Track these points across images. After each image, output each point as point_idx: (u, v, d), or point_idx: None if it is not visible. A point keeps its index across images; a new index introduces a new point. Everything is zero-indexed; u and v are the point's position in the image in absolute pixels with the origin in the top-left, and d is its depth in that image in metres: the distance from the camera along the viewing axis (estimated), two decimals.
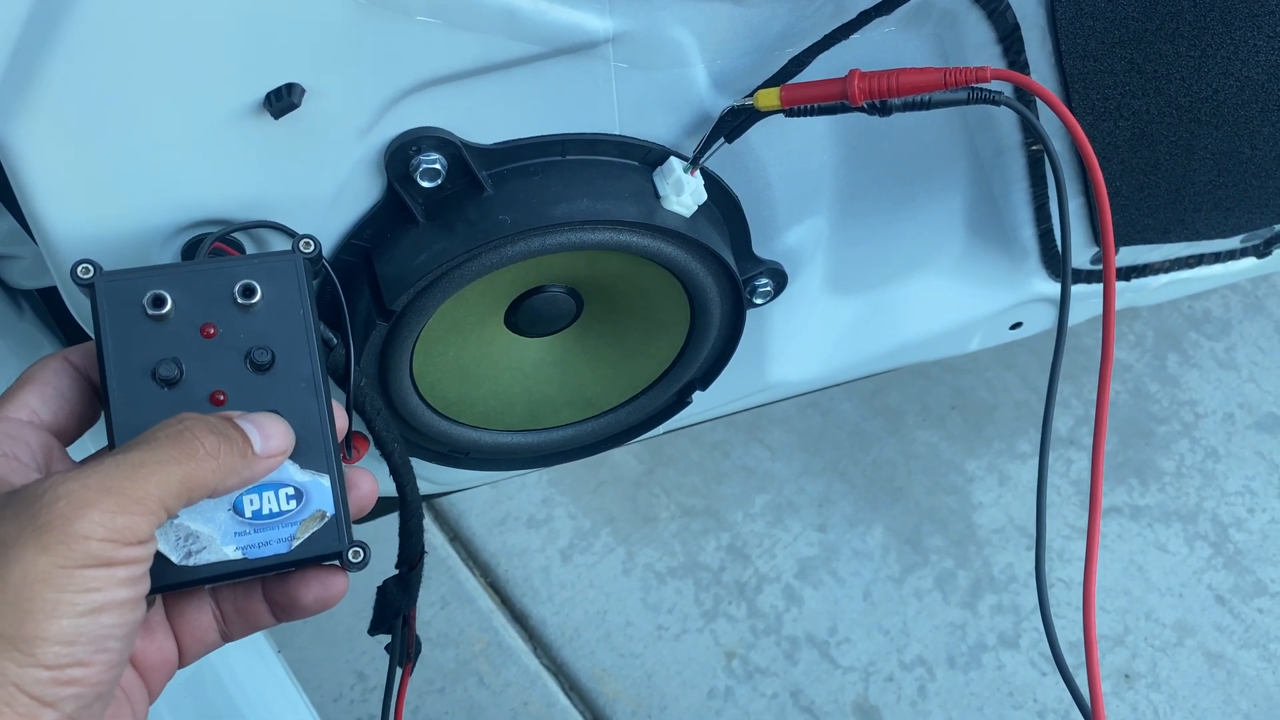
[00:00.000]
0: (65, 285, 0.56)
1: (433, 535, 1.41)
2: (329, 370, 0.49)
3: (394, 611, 0.60)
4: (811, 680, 1.31)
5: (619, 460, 1.47)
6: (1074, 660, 1.33)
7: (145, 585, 0.39)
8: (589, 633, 1.35)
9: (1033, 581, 1.37)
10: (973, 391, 1.54)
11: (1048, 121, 0.69)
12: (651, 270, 0.62)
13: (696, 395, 0.74)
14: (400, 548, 0.58)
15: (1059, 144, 0.71)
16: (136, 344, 0.45)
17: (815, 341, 0.80)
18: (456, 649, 1.33)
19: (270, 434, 0.43)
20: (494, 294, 0.62)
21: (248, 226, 0.53)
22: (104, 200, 0.50)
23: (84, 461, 0.44)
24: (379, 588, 0.60)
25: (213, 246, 0.51)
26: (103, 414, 0.45)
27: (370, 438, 0.54)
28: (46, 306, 0.76)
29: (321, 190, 0.55)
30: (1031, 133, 0.69)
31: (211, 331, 0.45)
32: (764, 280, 0.70)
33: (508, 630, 1.35)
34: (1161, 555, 1.41)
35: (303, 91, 0.49)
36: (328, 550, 0.45)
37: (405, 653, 0.62)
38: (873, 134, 0.67)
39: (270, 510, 0.44)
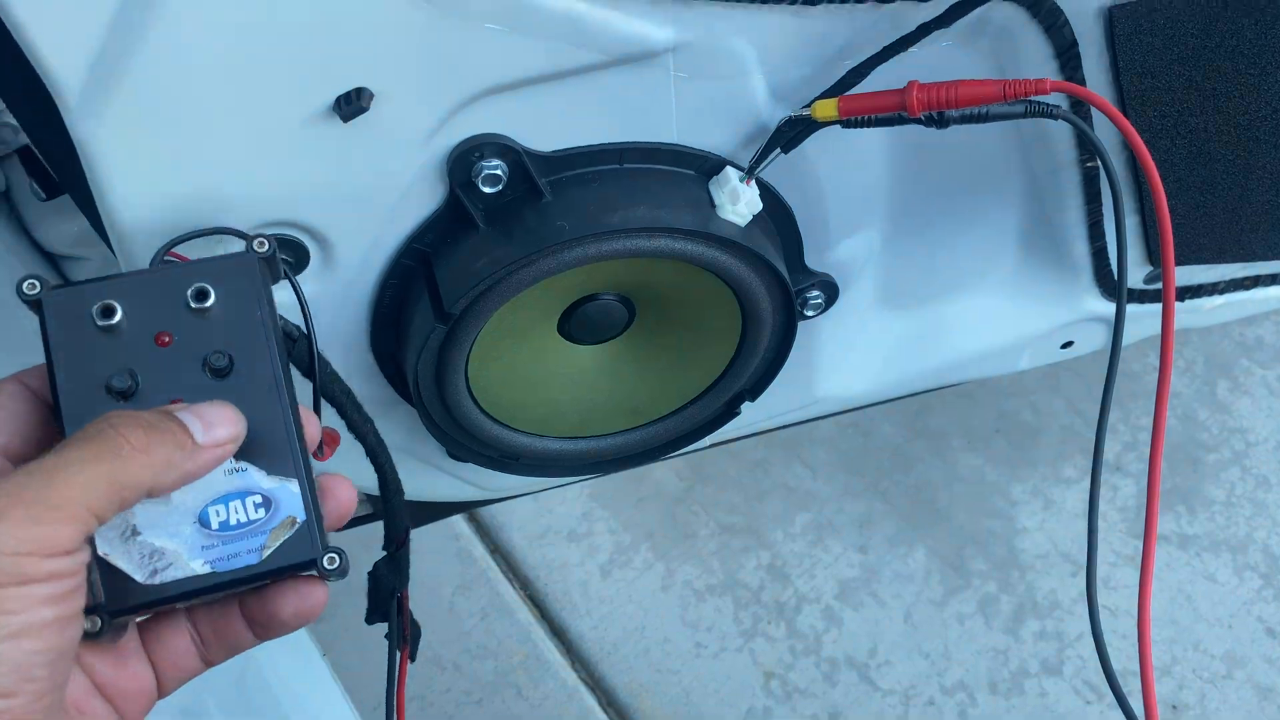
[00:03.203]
0: None
1: (474, 547, 1.42)
2: (296, 363, 0.48)
3: (388, 592, 0.59)
4: (851, 702, 1.30)
5: (660, 476, 1.47)
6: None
7: (76, 603, 0.36)
8: (627, 648, 1.35)
9: (1077, 608, 1.36)
10: (1017, 415, 1.53)
11: (1104, 137, 0.69)
12: (705, 279, 0.63)
13: (745, 407, 0.74)
14: (385, 527, 0.57)
15: (1115, 161, 0.71)
16: (88, 357, 0.43)
17: (865, 356, 0.80)
18: (495, 661, 1.34)
19: (213, 421, 0.41)
20: (549, 300, 0.63)
21: (203, 234, 0.50)
22: (176, 199, 0.52)
23: None
24: (369, 572, 0.59)
25: (166, 255, 0.48)
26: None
27: (344, 423, 0.53)
28: None
29: (387, 194, 0.56)
30: (1088, 147, 0.69)
31: (166, 339, 0.44)
32: (815, 292, 0.70)
33: (546, 644, 1.35)
34: (1210, 585, 1.38)
35: (372, 96, 0.50)
36: (301, 558, 0.43)
37: (403, 636, 0.61)
38: (927, 148, 0.67)
39: (238, 520, 0.42)
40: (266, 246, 0.46)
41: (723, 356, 0.68)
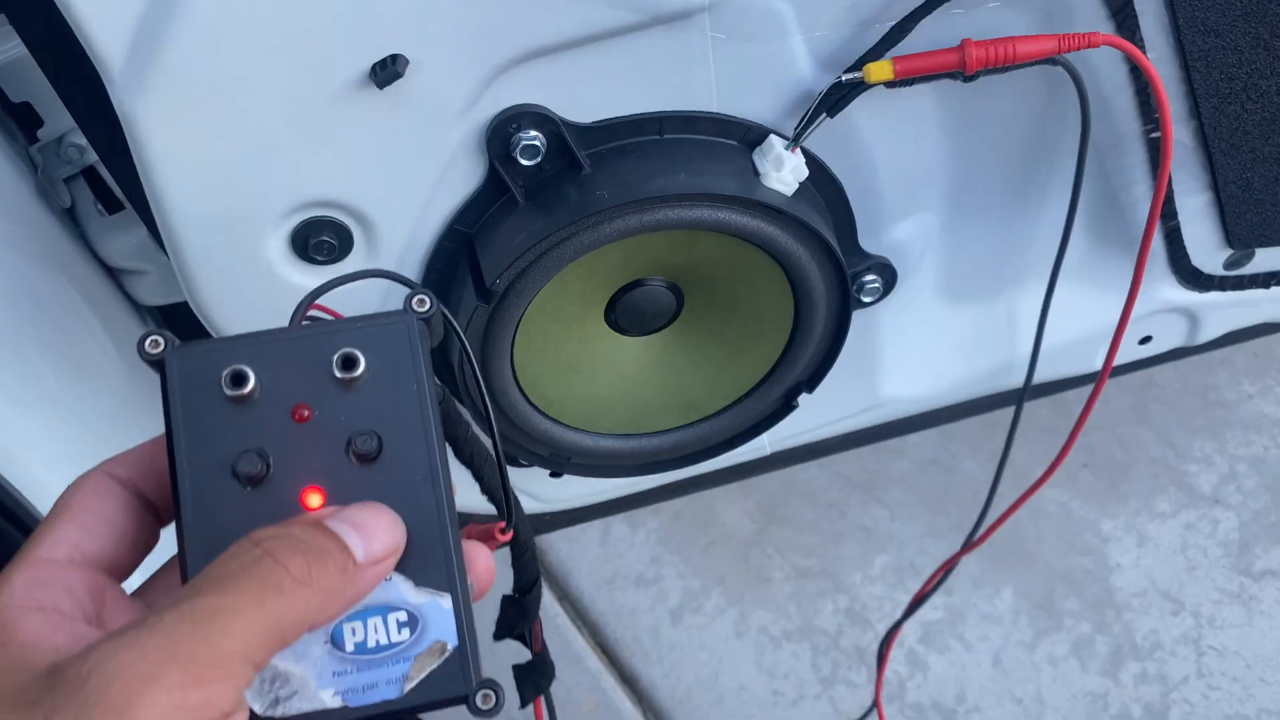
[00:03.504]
0: (189, 283, 0.57)
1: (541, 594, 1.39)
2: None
3: (510, 628, 0.56)
4: None
5: (729, 519, 1.44)
6: None
7: None
8: (700, 696, 1.30)
9: (1180, 649, 1.27)
10: (1105, 449, 1.46)
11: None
12: (753, 256, 0.61)
13: (808, 407, 0.71)
14: (515, 579, 0.54)
15: (1183, 133, 0.68)
16: (214, 432, 0.37)
17: (928, 353, 0.77)
18: (565, 710, 1.30)
19: (373, 532, 0.35)
20: (594, 282, 0.61)
21: (357, 278, 0.42)
22: (219, 175, 0.52)
23: (140, 598, 0.37)
24: (503, 597, 0.57)
25: (309, 309, 0.41)
26: (174, 525, 0.38)
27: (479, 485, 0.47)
28: (169, 326, 0.79)
29: (427, 170, 0.56)
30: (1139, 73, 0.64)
31: (305, 414, 0.37)
32: (872, 276, 0.68)
33: (617, 691, 1.31)
34: None
35: (406, 62, 0.50)
36: (450, 694, 0.36)
37: (536, 680, 0.57)
38: (981, 120, 0.65)
39: (378, 643, 0.36)
40: (428, 305, 0.39)
41: (777, 343, 0.66)
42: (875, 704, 1.12)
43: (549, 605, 1.38)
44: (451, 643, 0.36)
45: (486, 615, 0.56)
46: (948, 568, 0.91)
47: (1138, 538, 1.38)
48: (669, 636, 1.35)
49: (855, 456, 1.53)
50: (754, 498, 1.46)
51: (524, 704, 0.54)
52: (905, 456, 1.49)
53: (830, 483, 1.46)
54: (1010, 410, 0.88)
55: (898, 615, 1.36)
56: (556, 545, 1.43)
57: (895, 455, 1.49)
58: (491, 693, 0.36)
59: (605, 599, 1.38)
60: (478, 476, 0.47)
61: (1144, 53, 0.63)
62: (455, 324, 0.41)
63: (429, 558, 0.36)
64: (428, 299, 0.39)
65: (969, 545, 0.87)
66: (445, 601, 0.36)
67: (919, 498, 1.44)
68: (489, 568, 0.40)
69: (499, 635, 0.57)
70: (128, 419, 0.74)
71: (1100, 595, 1.33)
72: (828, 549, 1.41)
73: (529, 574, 0.49)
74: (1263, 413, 1.48)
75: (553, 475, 0.73)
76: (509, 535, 0.42)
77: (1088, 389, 0.76)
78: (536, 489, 0.78)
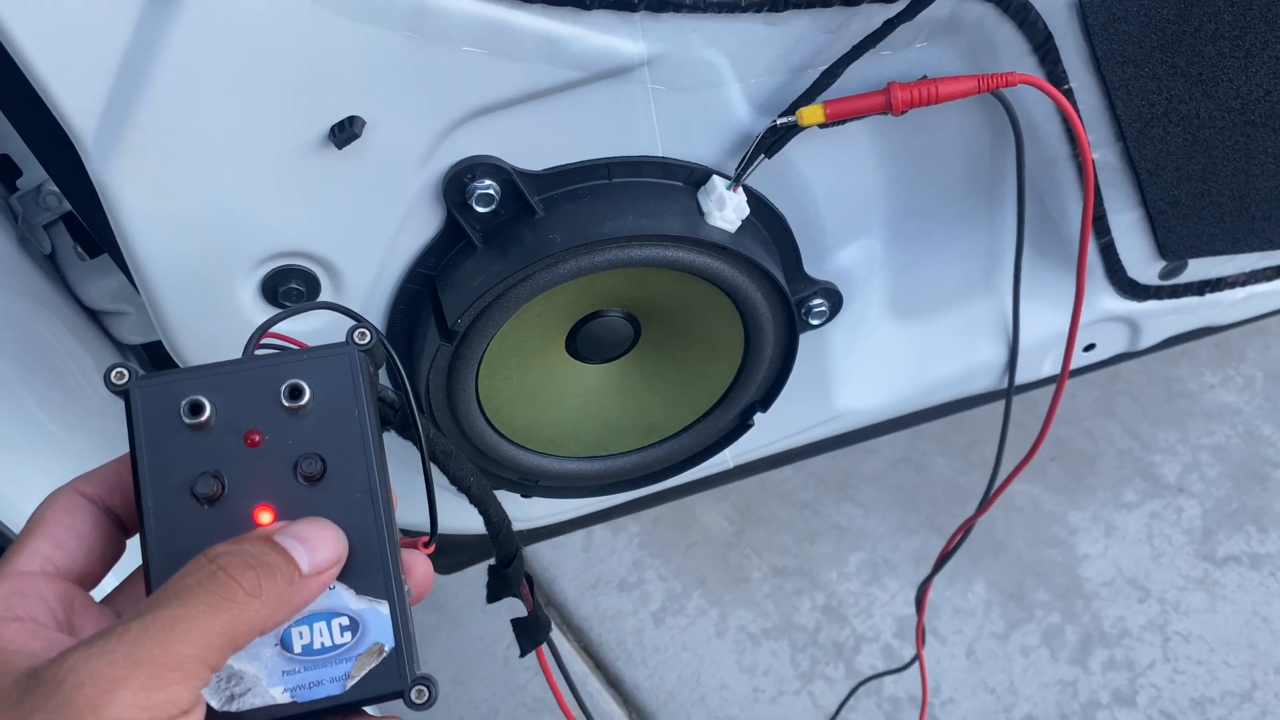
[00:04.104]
0: (166, 331, 0.61)
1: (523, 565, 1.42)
2: (399, 431, 0.45)
3: (498, 595, 0.60)
4: None
5: (709, 521, 1.47)
6: (1197, 717, 1.25)
7: None
8: (684, 696, 1.34)
9: (1147, 635, 1.31)
10: (1072, 441, 1.50)
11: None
12: (702, 289, 0.64)
13: (768, 422, 0.75)
14: (495, 555, 0.58)
15: (1110, 155, 0.72)
16: (174, 456, 0.40)
17: (880, 367, 0.81)
18: (552, 714, 1.33)
19: (317, 545, 0.39)
20: (552, 318, 0.65)
21: (303, 310, 0.48)
22: (191, 232, 0.55)
23: (108, 605, 0.41)
24: (489, 568, 0.60)
25: (261, 339, 0.44)
26: (138, 540, 0.41)
27: (447, 478, 0.51)
28: (152, 361, 0.82)
29: (387, 220, 0.59)
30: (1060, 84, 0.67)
31: (257, 439, 0.41)
32: (818, 300, 0.71)
33: (602, 695, 1.35)
34: None
35: (364, 123, 0.53)
36: (387, 690, 0.40)
37: (533, 634, 0.61)
38: (916, 151, 0.68)
39: (322, 644, 0.40)
40: (368, 338, 0.42)
41: (731, 367, 0.70)
42: (918, 655, 1.15)
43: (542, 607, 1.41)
44: (389, 644, 0.40)
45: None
46: (966, 528, 0.99)
47: (1105, 528, 1.42)
48: (652, 638, 1.38)
49: (828, 456, 1.57)
50: (731, 499, 1.49)
51: (523, 654, 0.59)
52: (877, 455, 1.53)
53: (805, 482, 1.50)
54: (975, 410, 0.93)
55: (873, 611, 1.40)
56: (541, 552, 1.47)
57: (868, 454, 1.53)
58: (425, 688, 0.40)
59: (589, 604, 1.42)
60: (463, 490, 0.51)
61: (1069, 84, 0.66)
62: (392, 351, 0.44)
63: (369, 568, 0.40)
64: (368, 331, 0.43)
65: (981, 509, 0.93)
66: (383, 608, 0.40)
67: (891, 495, 1.48)
68: (426, 574, 0.44)
69: (490, 600, 0.61)
70: (117, 454, 0.77)
71: (1069, 585, 1.37)
72: (804, 548, 1.45)
73: (506, 550, 0.54)
74: (1224, 402, 1.52)
75: (524, 496, 0.76)
76: (431, 549, 0.46)
77: (1048, 391, 0.82)
78: (512, 509, 0.81)
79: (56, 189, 0.74)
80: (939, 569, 1.04)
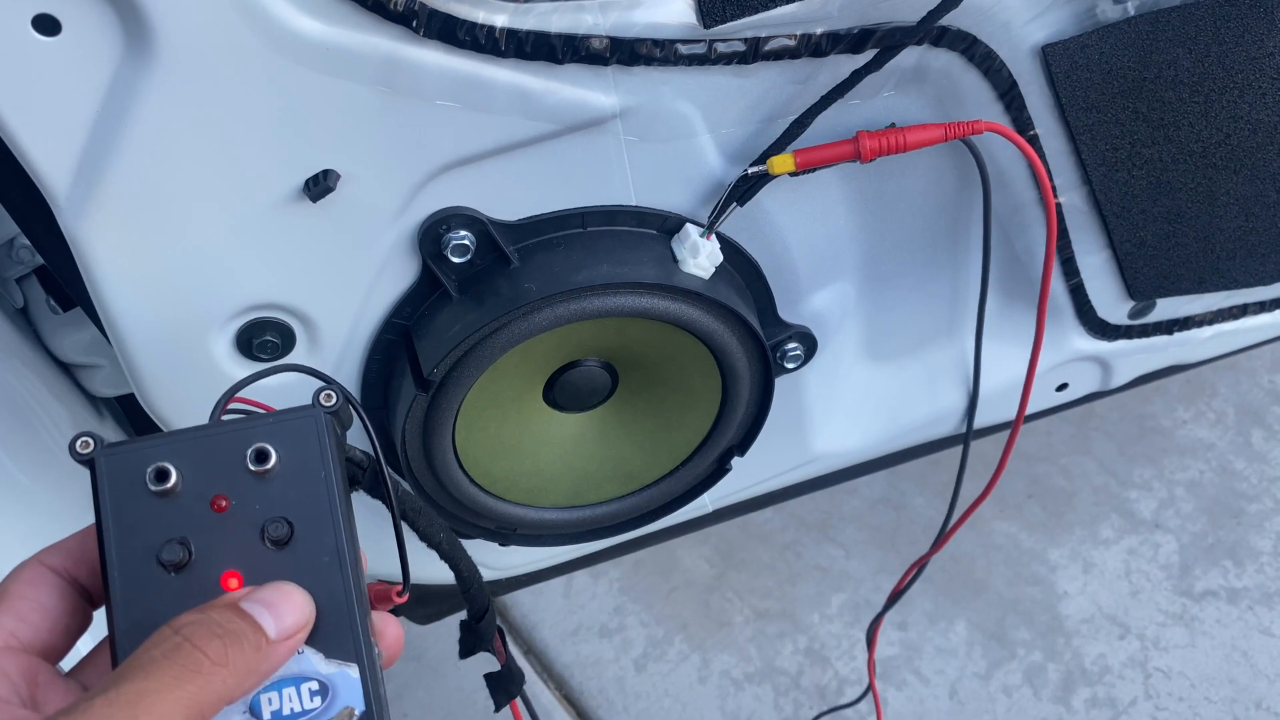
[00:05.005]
0: (140, 385, 0.60)
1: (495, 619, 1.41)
2: (369, 491, 0.45)
3: (470, 650, 0.60)
4: None
5: (690, 565, 1.46)
6: None
7: None
8: None
9: (1128, 672, 1.31)
10: (1049, 479, 1.51)
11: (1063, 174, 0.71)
12: (678, 337, 0.65)
13: (746, 466, 0.75)
14: (467, 609, 0.58)
15: (1077, 198, 0.73)
16: (140, 524, 0.40)
17: (856, 409, 0.81)
18: None
19: (284, 611, 0.38)
20: (530, 368, 0.65)
21: (271, 373, 0.46)
22: (164, 286, 0.55)
23: (74, 677, 0.41)
24: (460, 623, 0.60)
25: (229, 403, 0.44)
26: (105, 610, 0.41)
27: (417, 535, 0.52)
28: (125, 413, 0.82)
29: (363, 271, 0.59)
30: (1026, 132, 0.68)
31: (223, 504, 0.41)
32: (793, 345, 0.72)
33: None
34: (1266, 639, 1.33)
35: (338, 176, 0.54)
36: None
37: (506, 687, 0.61)
38: (886, 197, 0.69)
39: (292, 710, 0.39)
40: (334, 399, 0.42)
41: (708, 414, 0.70)
42: (870, 687, 1.14)
43: (514, 658, 1.40)
44: (360, 708, 0.40)
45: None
46: (919, 565, 0.97)
47: (1083, 565, 1.42)
48: (634, 685, 1.37)
49: (808, 497, 1.57)
50: (712, 542, 1.49)
51: (498, 708, 0.58)
52: (857, 495, 1.53)
53: (785, 524, 1.50)
54: (954, 449, 0.93)
55: (855, 653, 1.40)
56: (520, 600, 1.45)
57: (847, 494, 1.53)
58: None
59: (570, 651, 1.40)
60: (433, 547, 0.51)
61: (1034, 129, 0.68)
62: (361, 411, 0.44)
63: (338, 631, 0.40)
64: (335, 393, 0.42)
65: (934, 548, 0.93)
66: (353, 671, 0.40)
67: (871, 535, 1.48)
68: (397, 637, 0.43)
69: (463, 655, 0.61)
70: (89, 509, 0.76)
71: (1050, 623, 1.37)
72: (785, 590, 1.44)
73: (477, 604, 0.54)
74: (1197, 437, 1.53)
75: (501, 544, 0.76)
76: (405, 598, 0.46)
77: (1028, 429, 0.82)
78: (488, 558, 0.81)
79: (29, 243, 0.74)
80: (890, 607, 1.04)
